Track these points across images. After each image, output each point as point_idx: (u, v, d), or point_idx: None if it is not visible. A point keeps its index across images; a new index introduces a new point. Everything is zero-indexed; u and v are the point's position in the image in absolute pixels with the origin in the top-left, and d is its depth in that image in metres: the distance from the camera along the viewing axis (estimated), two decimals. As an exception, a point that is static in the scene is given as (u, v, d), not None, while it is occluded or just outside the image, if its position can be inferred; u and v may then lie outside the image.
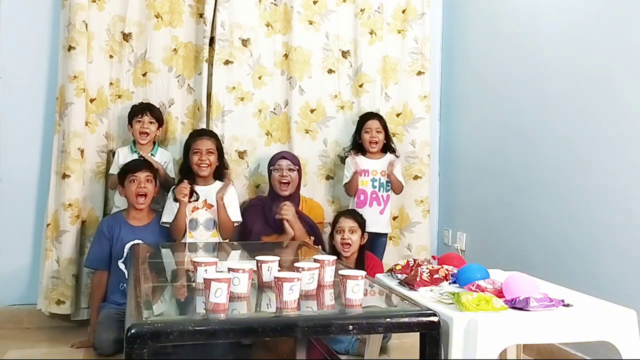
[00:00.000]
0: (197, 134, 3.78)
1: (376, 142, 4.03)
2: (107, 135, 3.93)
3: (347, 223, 3.65)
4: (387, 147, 4.11)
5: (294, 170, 3.80)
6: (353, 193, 4.05)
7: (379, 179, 4.05)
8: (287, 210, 3.64)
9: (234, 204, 3.72)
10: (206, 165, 3.66)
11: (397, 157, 4.12)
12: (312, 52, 4.19)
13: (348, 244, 3.60)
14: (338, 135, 4.25)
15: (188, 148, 3.71)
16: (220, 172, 3.76)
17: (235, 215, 3.70)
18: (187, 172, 3.69)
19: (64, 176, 3.77)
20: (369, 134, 4.03)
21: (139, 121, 3.79)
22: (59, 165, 3.80)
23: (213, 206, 3.65)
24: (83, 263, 3.79)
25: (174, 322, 1.85)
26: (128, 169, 3.63)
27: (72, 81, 3.77)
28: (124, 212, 3.72)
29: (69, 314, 3.80)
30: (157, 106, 3.95)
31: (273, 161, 3.86)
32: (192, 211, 3.62)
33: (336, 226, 3.69)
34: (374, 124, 4.05)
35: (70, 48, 3.79)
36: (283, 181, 3.76)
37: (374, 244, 4.03)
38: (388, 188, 4.07)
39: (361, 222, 3.71)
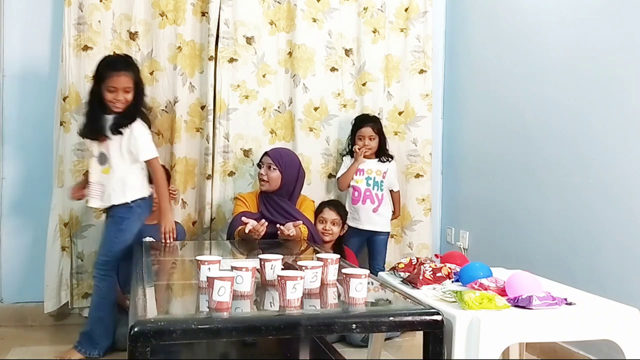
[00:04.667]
0: (112, 67, 3.29)
1: (369, 149, 4.06)
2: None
3: (330, 215, 3.84)
4: (381, 152, 4.11)
5: (275, 169, 3.64)
6: (345, 186, 4.09)
7: (374, 177, 4.07)
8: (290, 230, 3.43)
9: (142, 139, 3.31)
10: (122, 103, 3.28)
11: (389, 160, 4.13)
12: (316, 50, 4.18)
13: (329, 233, 3.80)
14: (340, 133, 4.25)
15: (101, 78, 3.27)
16: (136, 107, 3.34)
17: (148, 154, 3.31)
18: (99, 100, 3.29)
19: (87, 174, 3.81)
20: (361, 141, 4.04)
21: None
22: (75, 164, 3.83)
23: (108, 139, 3.29)
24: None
25: (177, 321, 1.85)
26: None
27: (90, 81, 3.77)
28: None
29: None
30: (164, 105, 3.98)
31: (261, 157, 3.77)
32: (91, 142, 3.36)
33: (319, 215, 3.85)
34: (366, 131, 4.05)
35: (86, 48, 3.81)
36: (262, 179, 3.67)
37: (373, 241, 4.09)
38: (382, 187, 4.09)
39: (343, 214, 3.90)
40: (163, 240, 3.35)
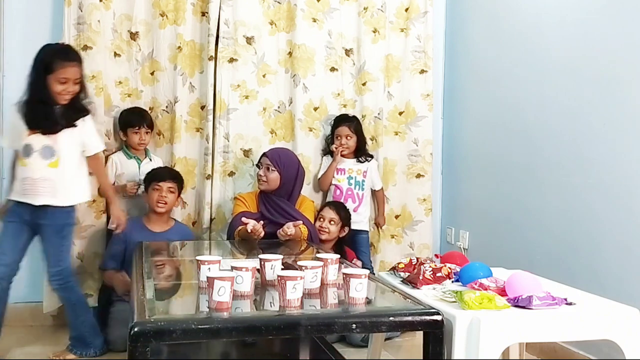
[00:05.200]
0: (65, 57, 3.16)
1: (347, 147, 4.08)
2: (107, 133, 3.91)
3: (328, 214, 3.85)
4: (360, 152, 4.13)
5: (274, 170, 3.63)
6: (326, 186, 4.13)
7: (355, 177, 4.10)
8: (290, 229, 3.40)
9: (95, 131, 3.32)
10: (70, 95, 3.17)
11: (368, 161, 4.14)
12: (316, 50, 4.18)
13: (325, 232, 3.79)
14: (341, 133, 4.25)
15: (48, 68, 3.11)
16: (82, 98, 3.26)
17: (101, 145, 3.36)
18: (43, 92, 3.13)
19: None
20: (338, 141, 4.07)
21: (137, 132, 3.80)
22: None
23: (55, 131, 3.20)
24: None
25: (177, 321, 1.86)
26: (153, 177, 3.67)
27: (90, 80, 3.77)
28: (143, 217, 3.75)
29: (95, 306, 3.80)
30: (164, 105, 3.98)
31: (260, 157, 3.77)
32: (28, 135, 3.16)
33: (319, 213, 3.88)
34: (343, 130, 4.08)
35: (85, 48, 3.80)
36: (261, 179, 3.66)
37: (354, 240, 4.09)
38: (364, 187, 4.12)
39: (344, 216, 3.88)
40: (113, 228, 3.40)
